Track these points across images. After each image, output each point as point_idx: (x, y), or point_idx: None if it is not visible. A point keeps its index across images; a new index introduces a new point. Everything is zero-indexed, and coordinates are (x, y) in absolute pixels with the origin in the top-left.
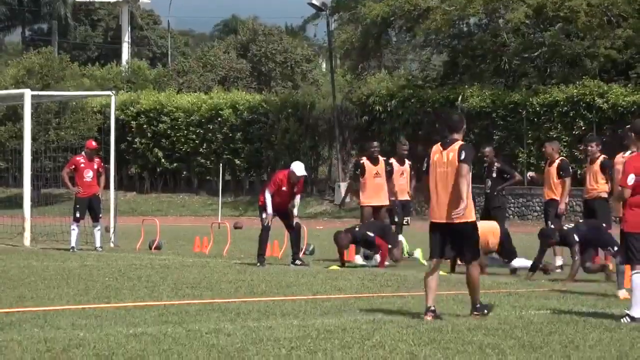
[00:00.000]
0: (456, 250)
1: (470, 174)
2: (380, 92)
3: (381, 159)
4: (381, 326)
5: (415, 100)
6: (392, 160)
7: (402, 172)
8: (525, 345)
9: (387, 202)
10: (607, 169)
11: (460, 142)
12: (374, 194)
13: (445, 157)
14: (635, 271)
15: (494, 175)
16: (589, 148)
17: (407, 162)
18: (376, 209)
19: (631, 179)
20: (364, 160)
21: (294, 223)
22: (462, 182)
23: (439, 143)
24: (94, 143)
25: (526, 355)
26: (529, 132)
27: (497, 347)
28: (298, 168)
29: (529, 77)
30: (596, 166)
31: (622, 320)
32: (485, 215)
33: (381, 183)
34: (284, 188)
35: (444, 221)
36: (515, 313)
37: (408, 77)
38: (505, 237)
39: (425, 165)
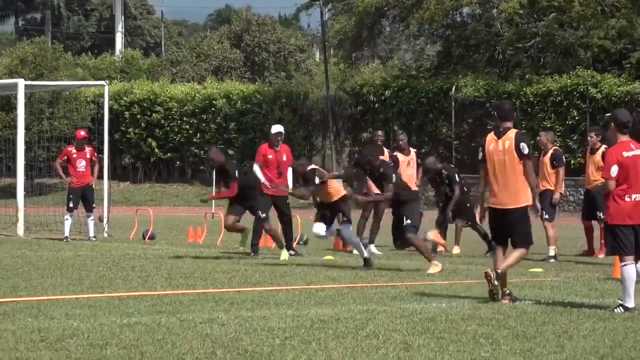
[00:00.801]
0: (510, 234)
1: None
2: (374, 82)
3: (413, 151)
4: (375, 316)
5: (409, 90)
6: (396, 153)
7: (408, 161)
8: (519, 335)
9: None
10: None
11: (514, 130)
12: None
13: (501, 145)
14: (625, 263)
15: None
16: (590, 138)
17: (413, 151)
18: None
19: (614, 170)
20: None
21: (288, 219)
22: (530, 177)
23: (492, 132)
24: (82, 133)
25: (520, 345)
26: (523, 122)
27: (490, 336)
28: (274, 127)
29: (523, 67)
30: (597, 156)
31: (615, 310)
32: None
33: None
34: (270, 156)
35: (504, 207)
36: (509, 303)
37: (402, 67)
38: None
39: (480, 154)
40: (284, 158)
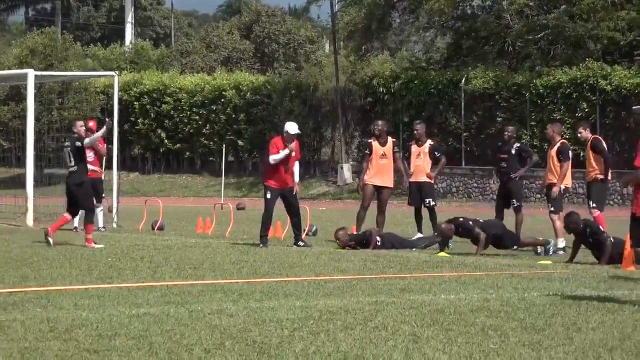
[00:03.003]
0: None
1: None
2: (384, 74)
3: (390, 140)
4: (384, 308)
5: (419, 82)
6: (411, 143)
7: (419, 153)
8: (528, 327)
9: (389, 185)
10: (596, 149)
11: None
12: (378, 175)
13: None
14: None
15: (514, 153)
16: (580, 135)
17: (429, 143)
18: (376, 189)
19: None
20: (373, 140)
21: (296, 209)
22: None
23: None
24: (91, 124)
25: (529, 337)
26: (533, 114)
27: (499, 329)
28: (292, 127)
29: (533, 59)
30: (588, 148)
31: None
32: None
33: (385, 165)
34: (282, 150)
35: None
36: (518, 295)
37: (412, 59)
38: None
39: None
40: (293, 154)
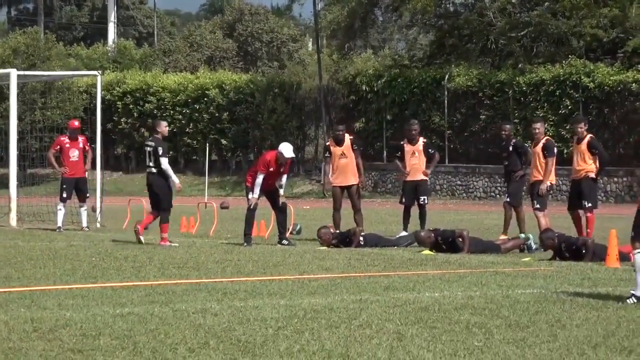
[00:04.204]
0: None
1: None
2: (367, 72)
3: (347, 138)
4: (368, 306)
5: (402, 80)
6: (404, 142)
7: (414, 151)
8: (512, 324)
9: (355, 182)
10: (594, 148)
11: None
12: (341, 175)
13: None
14: (638, 250)
15: (511, 150)
16: (580, 129)
17: (422, 141)
18: (343, 189)
19: None
20: (330, 142)
21: (281, 203)
22: None
23: None
24: (75, 123)
25: (513, 335)
26: (515, 111)
27: (483, 326)
28: (286, 150)
29: (515, 57)
30: (583, 146)
31: (628, 301)
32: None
33: (346, 163)
34: (271, 169)
35: None
36: (502, 292)
37: (394, 57)
38: None
39: None
40: (282, 170)
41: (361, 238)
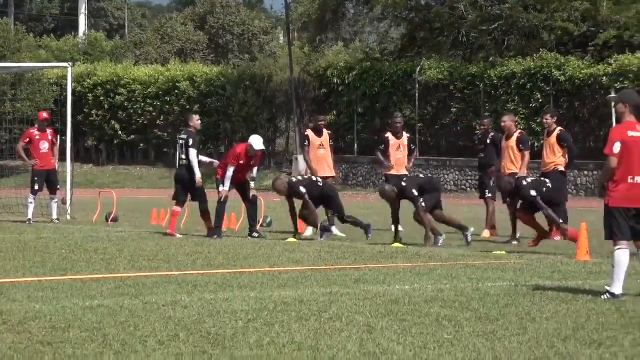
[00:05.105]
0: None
1: None
2: (338, 65)
3: (326, 132)
4: (338, 298)
5: (373, 73)
6: (388, 135)
7: (399, 145)
8: (482, 317)
9: (331, 174)
10: (564, 141)
11: None
12: (318, 165)
13: None
14: (619, 247)
15: (489, 143)
16: (545, 120)
17: (406, 135)
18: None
19: (617, 147)
20: (309, 132)
21: (251, 196)
22: None
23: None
24: (44, 114)
25: (483, 327)
26: (487, 104)
27: (453, 319)
28: (257, 142)
29: (487, 50)
30: (553, 139)
31: (602, 297)
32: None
33: (324, 155)
34: (242, 162)
35: None
36: (472, 285)
37: (366, 50)
38: None
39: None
40: (252, 163)
41: (303, 190)
